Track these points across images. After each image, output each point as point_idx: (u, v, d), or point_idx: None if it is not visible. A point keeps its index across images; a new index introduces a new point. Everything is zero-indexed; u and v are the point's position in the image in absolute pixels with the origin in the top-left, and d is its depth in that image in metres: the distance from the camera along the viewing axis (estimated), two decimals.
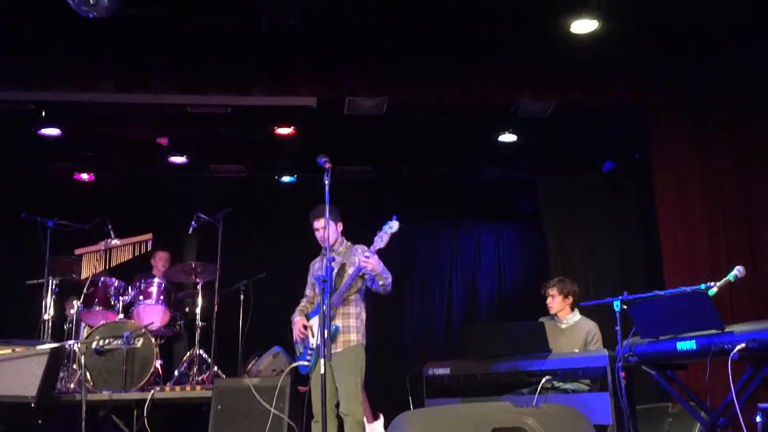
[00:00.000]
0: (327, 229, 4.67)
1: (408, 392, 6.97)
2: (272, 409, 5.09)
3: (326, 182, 4.28)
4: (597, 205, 8.40)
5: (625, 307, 4.34)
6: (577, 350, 5.44)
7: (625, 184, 8.25)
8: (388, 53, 5.98)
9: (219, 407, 5.30)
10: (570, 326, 5.71)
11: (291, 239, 8.36)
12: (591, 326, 5.65)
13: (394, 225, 4.65)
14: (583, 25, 5.55)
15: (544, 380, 4.87)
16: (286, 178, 8.11)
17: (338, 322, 4.82)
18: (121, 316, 6.62)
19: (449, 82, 6.25)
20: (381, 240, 4.64)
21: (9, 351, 5.35)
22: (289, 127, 6.83)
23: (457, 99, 6.35)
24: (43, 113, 6.37)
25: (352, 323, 4.91)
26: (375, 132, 7.25)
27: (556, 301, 5.74)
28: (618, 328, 4.44)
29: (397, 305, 9.18)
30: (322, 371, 4.07)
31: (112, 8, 4.72)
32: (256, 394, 5.21)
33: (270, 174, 8.12)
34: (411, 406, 6.67)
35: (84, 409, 5.32)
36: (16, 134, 7.04)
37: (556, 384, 4.99)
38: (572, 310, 5.78)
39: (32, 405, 5.15)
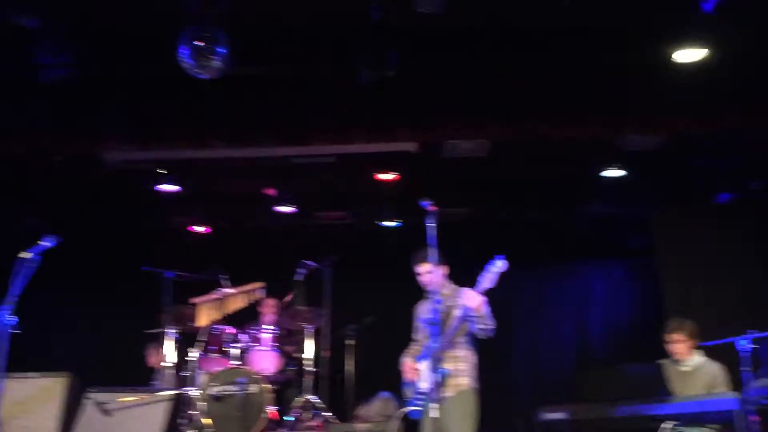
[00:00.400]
0: (435, 271, 4.69)
1: None
2: None
3: (430, 225, 4.29)
4: (715, 239, 7.99)
5: (756, 346, 4.07)
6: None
7: (744, 215, 7.83)
8: (486, 93, 5.99)
9: None
10: (693, 369, 5.41)
11: (396, 283, 8.40)
12: (717, 369, 5.33)
13: (500, 264, 4.59)
14: (689, 54, 5.38)
15: (669, 426, 4.63)
16: (389, 223, 8.20)
17: (447, 365, 4.77)
18: (236, 362, 6.82)
19: (551, 119, 6.18)
20: (487, 280, 4.58)
21: (134, 398, 5.62)
22: (391, 172, 6.93)
23: (559, 136, 6.26)
24: (162, 171, 6.74)
25: (461, 367, 4.85)
26: (476, 173, 7.25)
27: (682, 346, 5.46)
28: (747, 368, 4.17)
29: (502, 349, 9.01)
30: (434, 415, 4.00)
31: (222, 69, 4.99)
32: None
33: (373, 220, 8.23)
34: None
35: None
36: (137, 191, 7.49)
37: (681, 429, 4.73)
38: (693, 351, 5.49)
39: None
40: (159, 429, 5.43)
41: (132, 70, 5.67)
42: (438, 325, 4.18)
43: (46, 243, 4.28)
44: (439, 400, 4.11)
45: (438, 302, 4.36)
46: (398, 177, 7.11)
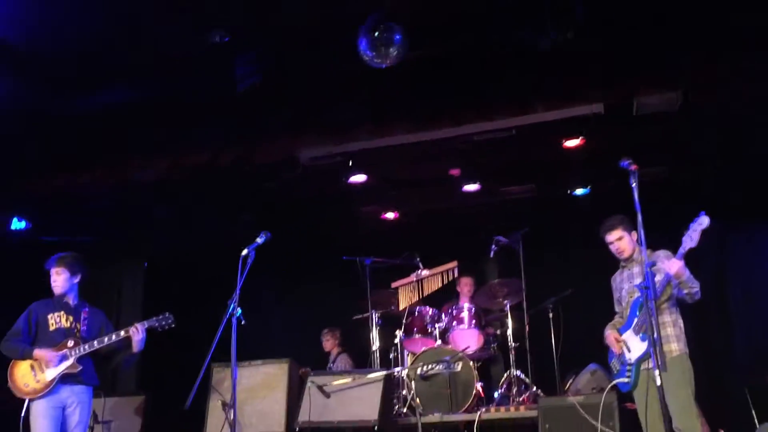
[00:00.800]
0: (626, 238, 4.52)
1: (750, 405, 6.30)
2: (602, 427, 4.95)
3: (633, 185, 4.09)
4: None
5: None
6: None
7: None
8: (678, 45, 5.58)
9: (547, 426, 5.29)
10: None
11: (591, 253, 8.15)
12: None
13: (703, 221, 4.30)
14: None
15: None
16: (578, 191, 7.93)
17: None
18: (438, 342, 6.97)
19: (749, 57, 5.63)
20: (691, 239, 4.31)
21: (349, 380, 5.92)
22: (577, 138, 6.69)
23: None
24: (350, 163, 7.01)
25: (669, 332, 4.63)
26: (668, 131, 6.80)
27: None
28: None
29: (717, 312, 8.40)
30: (659, 382, 3.83)
31: (400, 55, 5.09)
32: (583, 412, 5.11)
33: (561, 189, 8.01)
34: (756, 422, 6.02)
35: (420, 430, 5.66)
36: (328, 185, 7.85)
37: None
38: None
39: (374, 428, 5.62)
40: (376, 408, 5.67)
41: (313, 71, 5.94)
42: (651, 289, 3.97)
43: (259, 240, 4.62)
44: (663, 367, 3.90)
45: (650, 264, 4.14)
46: (584, 142, 6.85)
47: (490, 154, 7.36)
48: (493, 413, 6.15)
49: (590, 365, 6.63)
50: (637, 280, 4.81)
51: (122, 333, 5.00)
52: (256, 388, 6.19)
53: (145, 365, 7.90)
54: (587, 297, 7.54)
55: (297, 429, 5.83)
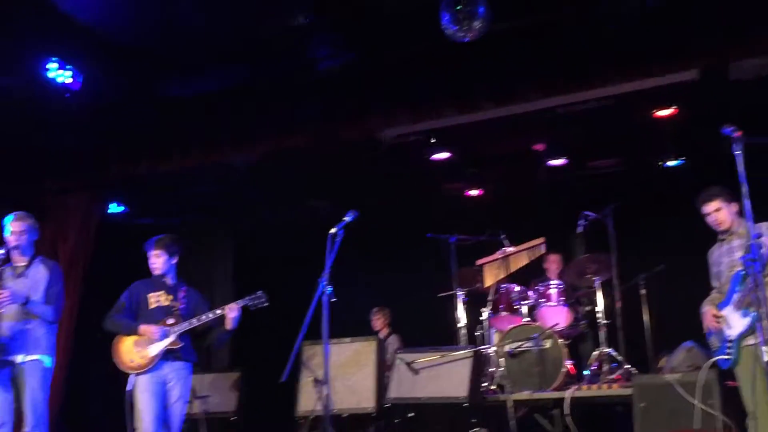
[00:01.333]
0: (725, 209, 4.34)
1: None
2: (701, 405, 4.79)
3: (737, 153, 3.89)
4: None
5: None
6: None
7: None
8: None
9: (642, 405, 5.15)
10: None
11: (684, 226, 7.85)
12: None
13: None
14: None
15: None
16: (671, 163, 7.64)
17: (755, 309, 4.34)
18: (526, 319, 6.89)
19: None
20: None
21: (438, 356, 5.94)
22: (670, 107, 6.43)
23: None
24: (433, 140, 6.97)
25: None
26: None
27: None
28: None
29: None
30: (766, 358, 3.66)
31: (484, 28, 5.01)
32: (681, 390, 4.96)
33: (653, 161, 7.73)
34: None
35: (511, 408, 5.62)
36: (410, 162, 7.85)
37: None
38: None
39: (464, 405, 5.62)
40: (465, 385, 5.67)
41: (397, 49, 5.93)
42: (759, 261, 3.78)
43: (347, 218, 4.66)
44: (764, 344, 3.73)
45: (756, 236, 3.94)
46: (677, 111, 6.58)
47: (576, 128, 7.18)
48: (585, 391, 6.03)
49: (686, 342, 6.39)
50: (737, 254, 4.59)
51: (218, 311, 5.15)
52: (346, 365, 6.29)
53: (236, 343, 8.15)
54: (680, 272, 7.27)
55: (386, 405, 5.89)
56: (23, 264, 5.19)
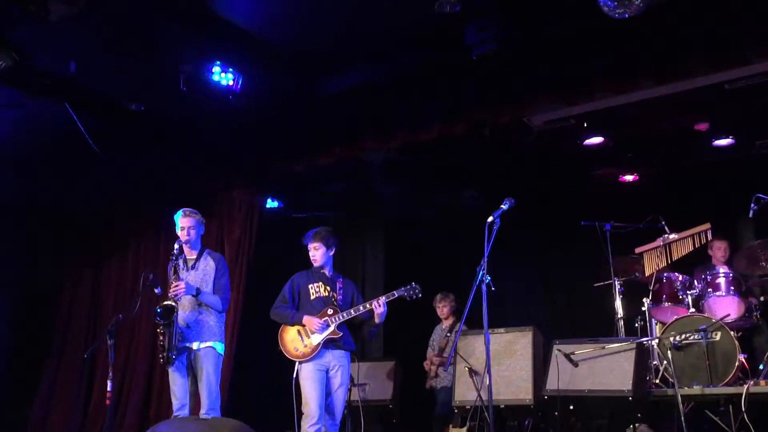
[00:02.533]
0: None
1: None
2: None
3: None
4: None
5: None
6: None
7: None
8: None
9: None
10: None
11: None
12: None
13: None
14: None
15: None
16: None
17: None
18: (692, 310, 6.50)
19: None
20: None
21: (597, 348, 5.72)
22: None
23: None
24: (585, 124, 6.71)
25: None
26: None
27: None
28: None
29: None
30: None
31: (644, 4, 4.74)
32: None
33: None
34: None
35: (680, 402, 5.32)
36: (561, 148, 7.61)
37: None
38: None
39: (629, 398, 5.38)
40: (629, 378, 5.43)
41: (548, 30, 5.75)
42: None
43: (504, 206, 4.58)
44: None
45: None
46: None
47: (744, 104, 6.66)
48: (764, 386, 5.59)
49: None
50: None
51: (367, 305, 5.26)
52: (500, 356, 6.20)
53: (390, 332, 8.29)
54: None
55: (545, 397, 5.76)
56: (193, 257, 5.55)
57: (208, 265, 5.54)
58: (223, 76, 6.15)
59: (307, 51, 6.42)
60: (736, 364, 5.78)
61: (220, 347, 5.43)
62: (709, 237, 6.80)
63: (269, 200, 8.50)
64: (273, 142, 7.40)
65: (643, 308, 6.87)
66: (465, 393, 6.13)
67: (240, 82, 6.24)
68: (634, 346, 5.67)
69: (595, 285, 7.33)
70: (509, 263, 8.84)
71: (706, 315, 6.27)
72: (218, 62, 6.11)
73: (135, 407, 7.78)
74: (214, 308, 5.42)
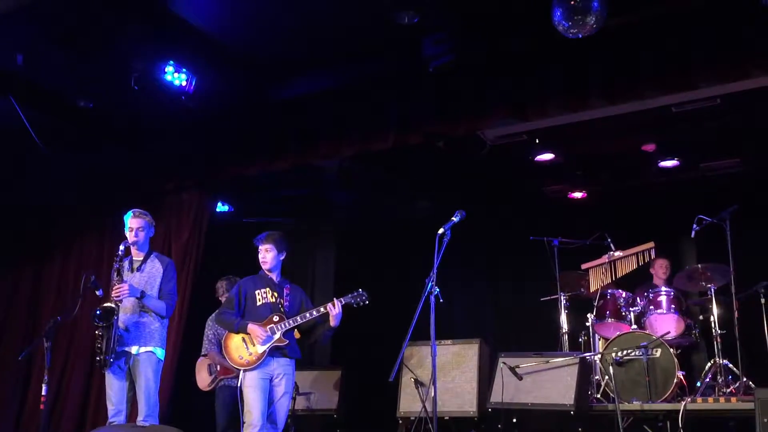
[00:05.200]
0: None
1: None
2: None
3: None
4: None
5: None
6: None
7: None
8: None
9: (765, 420, 4.85)
10: None
11: None
12: None
13: None
14: None
15: None
16: None
17: None
18: (634, 326, 6.63)
19: None
20: None
21: (542, 362, 5.79)
22: None
23: None
24: (537, 140, 6.81)
25: None
26: None
27: None
28: None
29: None
30: None
31: (597, 25, 4.84)
32: None
33: None
34: None
35: (619, 417, 5.41)
36: (513, 163, 7.71)
37: None
38: None
39: (571, 412, 5.45)
40: (572, 393, 5.51)
41: (504, 46, 5.82)
42: None
43: (455, 218, 4.59)
44: None
45: None
46: None
47: (690, 127, 6.86)
48: (700, 404, 5.73)
49: None
50: None
51: (321, 309, 5.21)
52: (447, 367, 6.24)
53: (337, 341, 8.24)
54: None
55: (489, 409, 5.80)
56: (140, 259, 5.41)
57: (154, 267, 5.41)
58: (176, 76, 6.04)
59: (263, 55, 6.36)
60: (675, 380, 5.92)
61: (160, 353, 5.30)
62: (653, 255, 6.96)
63: (220, 204, 8.38)
64: (225, 145, 7.31)
65: (587, 323, 6.99)
66: (410, 404, 6.14)
67: (193, 83, 6.14)
68: (577, 360, 5.76)
69: (542, 299, 7.43)
70: (459, 275, 8.93)
71: (647, 332, 6.41)
72: (172, 62, 6.00)
73: (71, 413, 7.54)
74: (157, 313, 5.30)
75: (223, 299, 6.28)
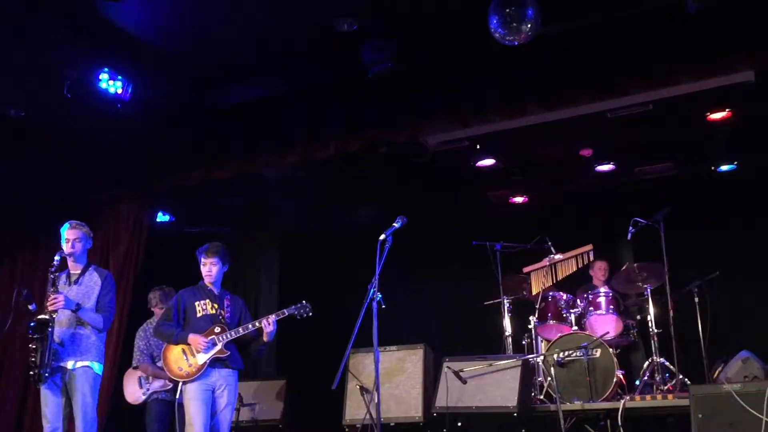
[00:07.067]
0: None
1: None
2: (765, 418, 4.62)
3: None
4: None
5: None
6: None
7: None
8: None
9: (700, 416, 4.99)
10: None
11: (737, 232, 7.66)
12: None
13: None
14: None
15: None
16: (724, 167, 7.44)
17: None
18: (574, 328, 6.76)
19: None
20: None
21: (486, 365, 5.84)
22: (723, 110, 6.26)
23: None
24: (478, 146, 6.90)
25: None
26: None
27: None
28: None
29: None
30: None
31: (532, 32, 4.94)
32: (741, 401, 4.79)
33: (704, 166, 7.55)
34: None
35: (561, 418, 5.50)
36: (455, 169, 7.78)
37: None
38: None
39: (514, 414, 5.51)
40: (515, 395, 5.57)
41: (443, 53, 5.88)
42: None
43: (396, 224, 4.61)
44: None
45: None
46: (730, 114, 6.41)
47: (624, 132, 7.05)
48: (639, 402, 5.88)
49: (741, 353, 6.22)
50: None
51: (257, 324, 5.15)
52: (392, 373, 6.24)
53: (282, 351, 8.17)
54: (734, 280, 7.10)
55: (434, 414, 5.82)
56: (77, 272, 5.27)
57: (92, 280, 5.27)
58: (111, 84, 5.91)
59: (204, 63, 6.28)
60: (614, 380, 6.06)
61: (98, 367, 5.15)
62: (591, 258, 7.12)
63: (160, 214, 8.22)
64: (165, 154, 7.18)
65: (530, 326, 7.10)
66: (355, 411, 6.11)
67: (130, 91, 6.02)
68: (520, 363, 5.83)
69: (486, 303, 7.52)
70: (404, 281, 8.96)
71: (587, 333, 6.54)
72: (106, 69, 5.87)
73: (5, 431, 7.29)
74: (94, 326, 5.15)
75: (155, 310, 6.16)
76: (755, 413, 4.70)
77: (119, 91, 5.95)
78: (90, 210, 7.04)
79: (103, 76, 5.89)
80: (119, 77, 5.97)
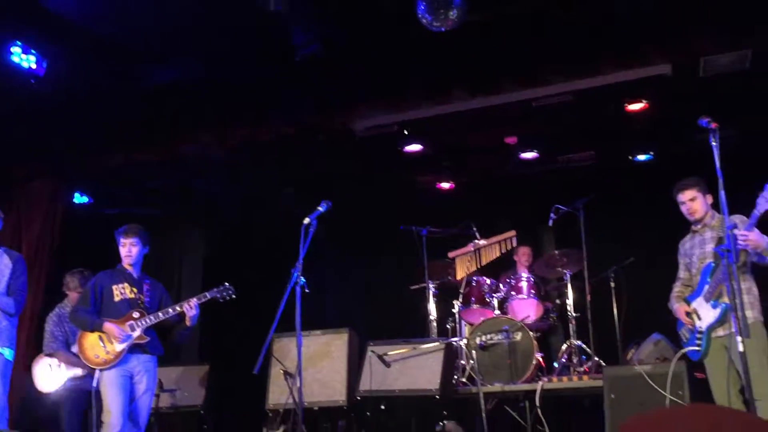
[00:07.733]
0: (700, 199, 4.44)
1: None
2: (670, 397, 4.83)
3: (714, 144, 3.93)
4: None
5: None
6: None
7: None
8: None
9: (612, 396, 5.19)
10: None
11: (653, 220, 7.94)
12: None
13: None
14: None
15: None
16: (641, 157, 7.70)
17: (727, 299, 4.40)
18: (497, 312, 6.90)
19: None
20: (766, 200, 4.12)
21: (410, 349, 5.91)
22: (640, 101, 6.47)
23: None
24: (406, 132, 6.92)
25: (744, 299, 4.42)
26: (737, 92, 6.53)
27: None
28: None
29: None
30: (740, 349, 3.71)
31: (459, 19, 4.97)
32: (650, 381, 5.00)
33: (623, 155, 7.79)
34: None
35: (482, 400, 5.61)
36: (383, 154, 7.78)
37: None
38: None
39: (436, 397, 5.60)
40: (437, 378, 5.65)
41: (370, 37, 5.85)
42: (732, 252, 3.82)
43: (321, 208, 4.59)
44: (745, 333, 3.77)
45: (731, 226, 3.98)
46: (647, 105, 6.63)
47: (548, 121, 7.19)
48: (556, 383, 6.06)
49: (653, 335, 6.47)
50: (709, 246, 4.66)
51: (177, 308, 5.04)
52: (316, 358, 6.23)
53: (205, 336, 8.04)
54: (650, 265, 7.36)
55: (358, 398, 5.85)
56: None
57: (2, 263, 5.05)
58: (24, 58, 5.63)
59: (128, 42, 6.04)
60: (534, 362, 6.23)
61: (8, 353, 4.95)
62: (515, 243, 7.28)
63: (78, 195, 7.93)
64: (85, 134, 6.90)
65: (454, 310, 7.20)
66: (279, 396, 6.08)
67: (44, 66, 5.75)
68: (443, 346, 5.92)
69: (412, 287, 7.58)
70: (331, 265, 8.95)
71: (509, 316, 6.69)
72: (19, 42, 5.58)
73: None
74: (5, 311, 4.95)
75: (72, 294, 5.96)
76: (661, 391, 4.90)
77: (33, 66, 5.67)
78: (2, 190, 6.74)
79: (16, 49, 5.60)
80: (33, 51, 5.69)
